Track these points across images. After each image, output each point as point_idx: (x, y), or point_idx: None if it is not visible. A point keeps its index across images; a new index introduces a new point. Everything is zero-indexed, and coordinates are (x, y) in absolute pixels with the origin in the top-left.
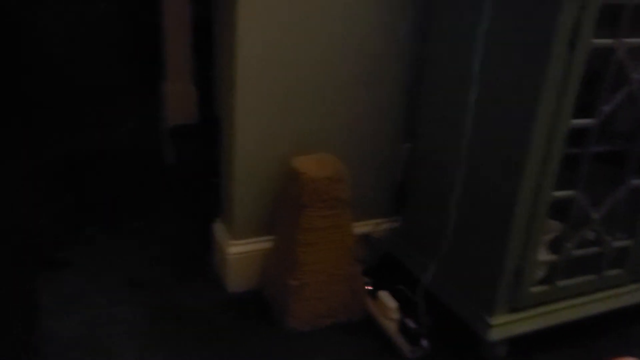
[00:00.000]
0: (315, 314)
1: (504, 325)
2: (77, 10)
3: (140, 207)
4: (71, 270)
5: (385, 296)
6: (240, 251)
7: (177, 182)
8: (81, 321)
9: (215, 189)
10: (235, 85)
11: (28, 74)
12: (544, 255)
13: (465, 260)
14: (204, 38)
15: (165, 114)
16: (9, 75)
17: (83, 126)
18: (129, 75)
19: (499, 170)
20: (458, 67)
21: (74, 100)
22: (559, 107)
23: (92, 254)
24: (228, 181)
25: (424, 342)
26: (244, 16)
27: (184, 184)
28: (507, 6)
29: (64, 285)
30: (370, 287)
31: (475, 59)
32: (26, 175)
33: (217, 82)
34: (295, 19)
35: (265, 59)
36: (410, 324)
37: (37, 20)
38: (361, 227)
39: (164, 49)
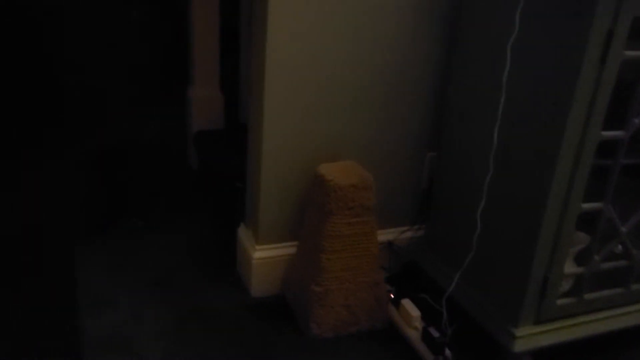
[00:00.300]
0: (338, 320)
1: (529, 337)
2: (109, 17)
3: (166, 209)
4: (98, 270)
5: (408, 304)
6: (264, 256)
7: (202, 186)
8: (108, 321)
9: (240, 194)
10: (263, 92)
11: (61, 78)
12: (570, 268)
13: (490, 270)
14: (230, 45)
15: (191, 119)
16: (43, 79)
17: (110, 130)
18: (157, 80)
19: (526, 181)
20: (486, 77)
21: (102, 104)
22: (588, 119)
23: (118, 254)
24: (254, 186)
25: (447, 351)
26: (273, 24)
27: (209, 188)
28: (537, 18)
29: (92, 286)
30: (392, 295)
31: (503, 70)
32: (54, 176)
33: (242, 88)
34: (323, 27)
35: (293, 66)
36: (434, 332)
37: (69, 27)
38: (385, 235)
39: (192, 55)
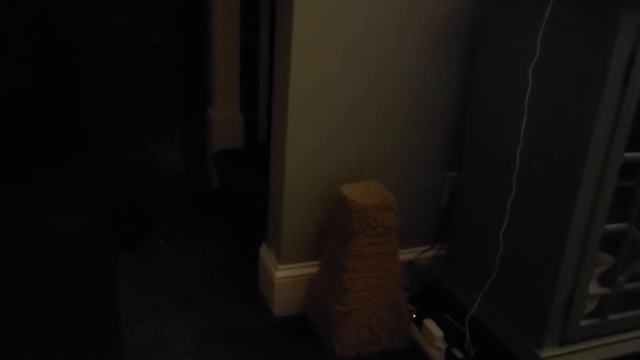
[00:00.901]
0: (360, 340)
1: (554, 359)
2: (130, 40)
3: (187, 228)
4: (123, 289)
5: (431, 324)
6: (286, 275)
7: (223, 205)
8: (132, 338)
9: (261, 214)
10: (286, 112)
11: (83, 101)
12: (594, 288)
13: (514, 290)
14: (249, 65)
15: (211, 138)
16: (66, 102)
17: (131, 150)
18: (178, 101)
19: (549, 202)
20: (507, 99)
21: (123, 124)
22: (611, 141)
23: (142, 273)
24: (276, 206)
25: None
26: (297, 48)
27: (230, 208)
28: (558, 41)
29: (117, 303)
30: (415, 315)
31: (525, 92)
32: (80, 196)
33: (261, 108)
34: (346, 52)
35: (315, 88)
36: (457, 353)
37: (90, 51)
38: (406, 254)
39: (212, 75)
